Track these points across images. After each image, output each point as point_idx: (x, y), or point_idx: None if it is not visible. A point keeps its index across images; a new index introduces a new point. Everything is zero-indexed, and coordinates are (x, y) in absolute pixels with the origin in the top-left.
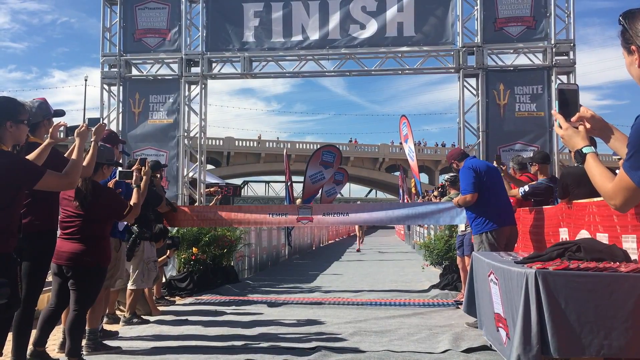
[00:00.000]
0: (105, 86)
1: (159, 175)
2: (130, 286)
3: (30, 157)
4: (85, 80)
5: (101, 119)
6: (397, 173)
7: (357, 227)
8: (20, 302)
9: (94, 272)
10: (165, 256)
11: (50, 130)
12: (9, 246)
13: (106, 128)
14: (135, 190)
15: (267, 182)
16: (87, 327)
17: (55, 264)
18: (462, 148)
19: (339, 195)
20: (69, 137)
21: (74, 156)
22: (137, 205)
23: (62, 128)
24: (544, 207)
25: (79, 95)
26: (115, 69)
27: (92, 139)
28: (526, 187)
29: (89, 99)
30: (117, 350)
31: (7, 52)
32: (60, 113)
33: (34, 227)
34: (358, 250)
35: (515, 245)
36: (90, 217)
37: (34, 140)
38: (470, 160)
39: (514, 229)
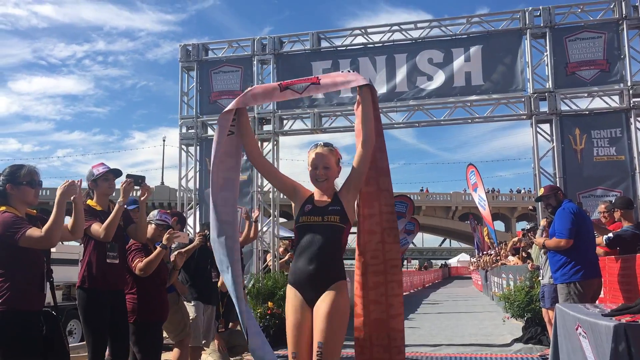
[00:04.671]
0: (184, 147)
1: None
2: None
3: (107, 221)
4: (164, 140)
5: (144, 179)
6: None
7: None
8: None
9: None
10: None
11: (122, 190)
12: (32, 304)
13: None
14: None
15: None
16: None
17: None
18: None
19: (411, 245)
20: (137, 187)
21: (53, 215)
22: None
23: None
24: (632, 255)
25: (156, 155)
26: (193, 130)
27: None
28: (610, 235)
29: (167, 157)
30: None
31: (91, 116)
32: (117, 173)
33: None
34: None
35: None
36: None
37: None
38: (569, 203)
39: (601, 281)
